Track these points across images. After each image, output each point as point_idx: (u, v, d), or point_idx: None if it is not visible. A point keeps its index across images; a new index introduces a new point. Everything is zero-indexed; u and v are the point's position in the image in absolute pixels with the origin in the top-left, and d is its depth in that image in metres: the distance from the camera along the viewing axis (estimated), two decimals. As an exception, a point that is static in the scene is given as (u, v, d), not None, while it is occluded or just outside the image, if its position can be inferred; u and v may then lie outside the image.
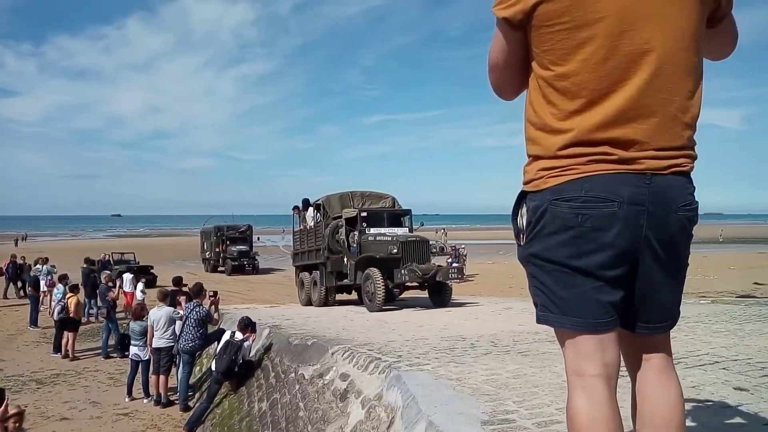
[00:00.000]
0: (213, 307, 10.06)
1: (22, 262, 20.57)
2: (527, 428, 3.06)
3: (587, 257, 1.57)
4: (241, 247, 32.71)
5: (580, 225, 1.57)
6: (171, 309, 10.00)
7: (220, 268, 32.69)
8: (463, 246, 31.03)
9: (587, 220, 1.56)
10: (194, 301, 9.68)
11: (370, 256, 12.49)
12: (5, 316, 16.85)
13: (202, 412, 8.40)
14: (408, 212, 14.63)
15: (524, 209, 1.69)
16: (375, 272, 11.85)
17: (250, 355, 8.74)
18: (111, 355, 12.65)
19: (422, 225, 14.99)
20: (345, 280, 13.71)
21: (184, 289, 11.88)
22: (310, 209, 15.34)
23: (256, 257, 33.31)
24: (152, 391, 9.83)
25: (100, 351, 12.86)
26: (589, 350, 1.60)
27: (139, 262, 26.71)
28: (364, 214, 13.64)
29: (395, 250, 12.03)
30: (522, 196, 1.71)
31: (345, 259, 13.51)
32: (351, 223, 13.65)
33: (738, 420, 3.09)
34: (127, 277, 17.44)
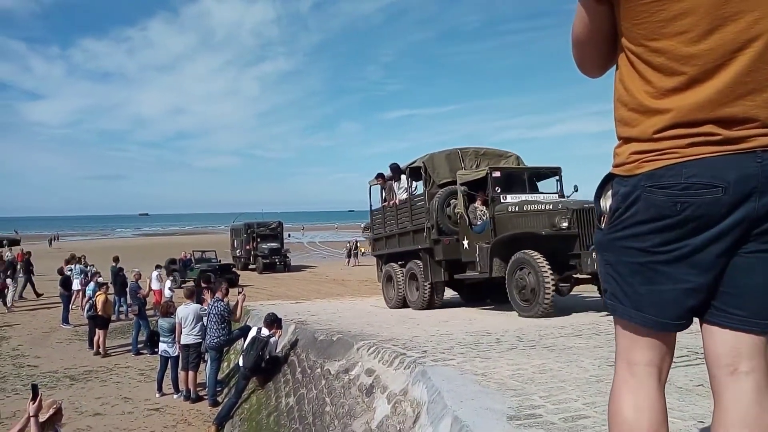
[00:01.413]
0: (238, 303, 10.16)
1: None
2: (554, 423, 3.04)
3: (681, 250, 1.44)
4: (272, 244, 32.15)
5: (678, 214, 1.42)
6: (198, 306, 10.15)
7: (251, 266, 32.16)
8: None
9: (687, 209, 1.41)
10: (215, 296, 9.82)
11: (521, 234, 8.65)
12: (39, 314, 17.27)
13: (230, 408, 8.52)
14: (557, 171, 10.19)
15: (610, 192, 1.56)
16: (536, 258, 8.07)
17: (277, 351, 8.83)
18: (141, 351, 12.89)
19: (576, 191, 9.76)
20: (468, 272, 9.90)
21: (212, 286, 12.05)
22: (403, 178, 11.34)
23: (288, 254, 32.80)
24: (182, 386, 9.99)
25: (130, 348, 13.11)
26: (648, 343, 1.52)
27: (220, 261, 26.60)
28: (497, 174, 9.64)
29: (565, 224, 8.21)
30: (609, 179, 1.58)
31: (465, 242, 9.74)
32: (471, 189, 9.89)
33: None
34: (155, 274, 17.73)
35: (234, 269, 25.68)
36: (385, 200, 12.35)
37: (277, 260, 31.48)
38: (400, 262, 11.74)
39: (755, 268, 1.46)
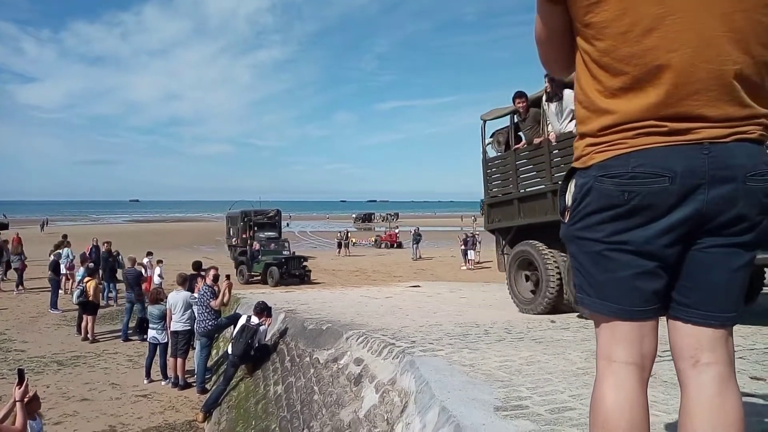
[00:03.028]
0: (226, 290, 10.14)
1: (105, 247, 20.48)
2: (540, 414, 3.07)
3: (631, 237, 1.47)
4: (270, 233, 30.21)
5: (626, 203, 1.46)
6: (188, 293, 10.13)
7: None
8: (478, 233, 30.99)
9: (634, 198, 1.45)
10: (205, 284, 9.79)
11: None
12: (27, 299, 17.17)
13: (218, 395, 8.53)
14: None
15: (572, 186, 1.62)
16: None
17: (266, 340, 8.83)
18: (130, 338, 12.85)
19: None
20: None
21: (203, 273, 12.01)
22: (567, 94, 6.95)
23: (286, 244, 30.93)
24: (170, 373, 9.99)
25: (119, 334, 13.06)
26: (625, 337, 1.52)
27: (294, 252, 24.82)
28: None
29: None
30: (571, 173, 1.64)
31: None
32: None
33: (752, 409, 3.06)
34: (146, 261, 17.66)
35: (305, 264, 22.43)
36: (506, 144, 8.55)
37: None
38: (542, 241, 7.78)
39: (713, 263, 1.50)
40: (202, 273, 11.95)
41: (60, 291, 16.32)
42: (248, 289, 16.20)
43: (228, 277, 10.60)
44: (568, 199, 1.62)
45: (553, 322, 6.87)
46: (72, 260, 18.18)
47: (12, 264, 19.11)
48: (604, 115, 1.49)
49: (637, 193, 1.45)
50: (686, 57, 1.39)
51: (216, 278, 10.08)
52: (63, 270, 17.01)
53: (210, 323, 9.53)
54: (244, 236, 30.63)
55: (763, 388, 3.48)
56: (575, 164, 1.61)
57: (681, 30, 1.39)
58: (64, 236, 20.09)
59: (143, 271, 15.68)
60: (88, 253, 18.53)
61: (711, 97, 1.42)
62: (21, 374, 4.47)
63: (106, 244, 18.11)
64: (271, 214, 31.93)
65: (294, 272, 21.29)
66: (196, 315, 9.76)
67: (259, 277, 22.18)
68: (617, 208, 1.48)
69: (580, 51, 1.55)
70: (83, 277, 13.27)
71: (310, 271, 22.23)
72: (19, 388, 4.35)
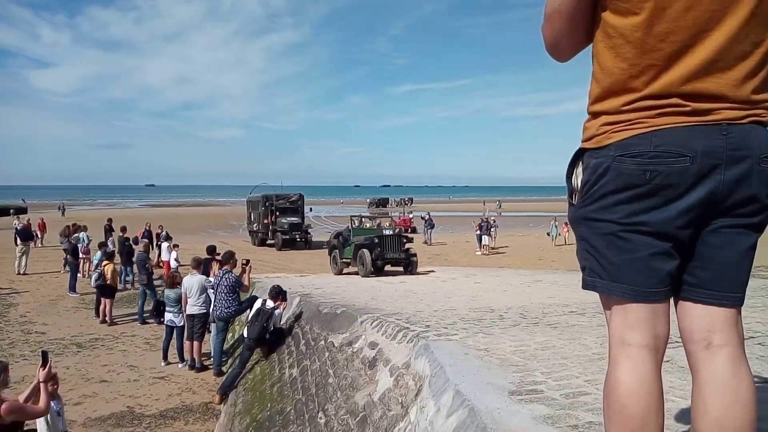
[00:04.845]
0: (245, 275, 10.24)
1: (159, 231, 20.58)
2: (555, 399, 3.06)
3: (650, 217, 1.46)
4: (293, 218, 29.06)
5: (647, 182, 1.44)
6: (203, 277, 10.23)
7: (269, 242, 29.40)
8: (493, 218, 30.89)
9: (656, 177, 1.43)
10: (224, 268, 9.87)
11: None
12: (46, 282, 17.44)
13: (234, 377, 8.63)
14: None
15: (581, 168, 1.58)
16: None
17: (281, 323, 8.90)
18: (147, 320, 13.03)
19: None
20: None
21: (218, 257, 12.12)
22: None
23: (309, 230, 29.66)
24: (187, 356, 10.12)
25: (136, 317, 13.25)
26: (638, 320, 1.50)
27: (398, 230, 18.86)
28: None
29: None
30: (579, 154, 1.60)
31: None
32: None
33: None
34: (164, 246, 17.86)
35: (409, 246, 16.07)
36: None
37: (297, 236, 28.43)
38: None
39: (723, 244, 1.50)
40: (217, 257, 12.06)
41: (78, 274, 16.56)
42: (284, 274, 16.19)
43: (247, 261, 10.66)
44: (576, 182, 1.60)
45: (567, 306, 6.85)
46: (87, 244, 18.41)
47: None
48: (629, 93, 1.46)
49: (659, 173, 1.43)
50: (721, 36, 1.39)
51: (244, 269, 10.24)
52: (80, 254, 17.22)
53: (233, 309, 9.62)
54: (265, 222, 29.57)
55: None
56: (586, 144, 1.56)
57: (718, 9, 1.39)
58: (74, 224, 20.26)
59: (158, 255, 15.89)
60: (141, 237, 18.90)
61: (736, 78, 1.42)
62: (45, 356, 4.56)
63: (160, 227, 18.46)
64: (293, 199, 30.51)
65: (391, 257, 15.42)
66: (211, 299, 9.86)
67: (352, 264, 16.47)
68: (637, 188, 1.46)
69: (605, 26, 1.49)
70: (100, 260, 13.45)
71: (415, 255, 15.84)
72: (43, 370, 4.43)
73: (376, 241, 15.33)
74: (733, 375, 1.48)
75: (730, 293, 1.52)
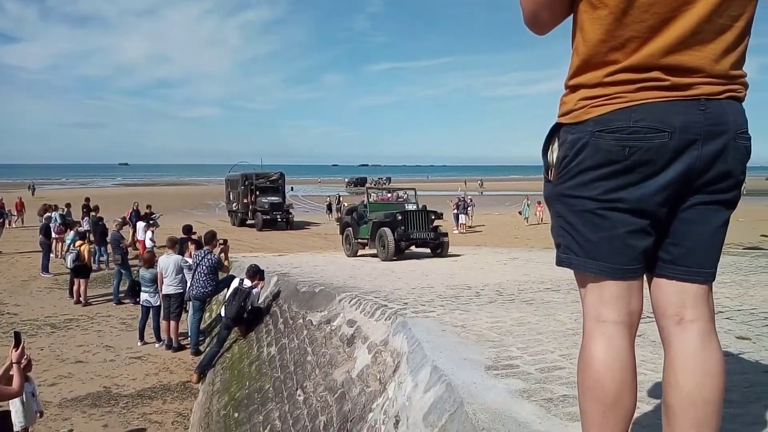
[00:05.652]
0: (223, 254, 10.18)
1: (147, 211, 20.29)
2: (530, 373, 3.12)
3: (628, 194, 1.46)
4: (273, 198, 28.48)
5: (626, 158, 1.44)
6: (179, 257, 10.15)
7: (249, 222, 28.87)
8: (470, 197, 31.06)
9: (635, 153, 1.43)
10: (205, 248, 9.79)
11: None
12: (17, 263, 17.13)
13: (212, 357, 8.62)
14: None
15: (557, 143, 1.56)
16: None
17: (259, 302, 8.89)
18: (123, 301, 12.90)
19: None
20: None
21: (194, 237, 12.02)
22: None
23: (291, 210, 29.18)
24: (163, 335, 10.06)
25: (111, 297, 13.11)
26: (613, 296, 1.52)
27: (425, 206, 14.92)
28: None
29: None
30: (555, 129, 1.57)
31: None
32: None
33: (738, 367, 3.13)
34: (140, 225, 17.63)
35: (438, 225, 14.06)
36: None
37: (278, 216, 27.86)
38: None
39: (697, 219, 1.52)
40: (193, 236, 11.96)
41: (51, 255, 16.28)
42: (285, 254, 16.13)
43: (225, 241, 10.57)
44: (552, 157, 1.58)
45: (542, 283, 6.95)
46: (60, 224, 18.11)
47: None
48: (609, 65, 1.46)
49: (638, 149, 1.43)
50: (701, 9, 1.39)
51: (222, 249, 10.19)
52: (53, 234, 16.93)
53: (210, 288, 9.58)
54: (245, 201, 28.76)
55: (748, 347, 3.55)
56: (563, 119, 1.54)
57: None
58: (54, 204, 19.98)
59: (132, 234, 15.70)
60: (128, 217, 18.59)
61: (715, 52, 1.43)
62: (17, 336, 4.48)
63: (148, 207, 18.25)
64: (273, 177, 29.81)
65: (418, 237, 13.27)
66: (187, 278, 9.80)
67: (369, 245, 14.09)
68: (615, 164, 1.45)
69: None
70: (73, 240, 13.24)
71: (446, 235, 13.74)
72: (16, 350, 4.36)
73: (399, 218, 13.04)
74: (704, 349, 1.51)
75: (703, 269, 1.55)
